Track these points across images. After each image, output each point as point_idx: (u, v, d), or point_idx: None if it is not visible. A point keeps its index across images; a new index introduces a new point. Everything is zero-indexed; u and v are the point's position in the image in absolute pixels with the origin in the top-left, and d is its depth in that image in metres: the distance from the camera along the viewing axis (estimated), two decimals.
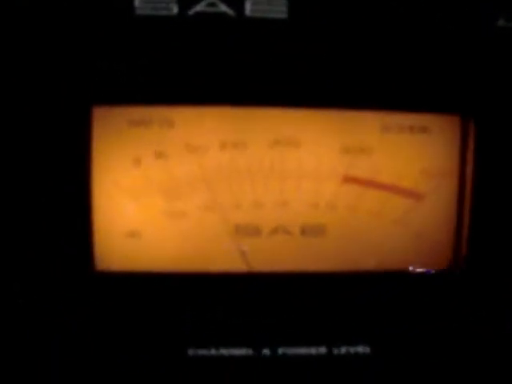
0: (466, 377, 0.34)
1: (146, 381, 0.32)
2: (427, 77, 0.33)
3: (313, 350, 0.33)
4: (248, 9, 0.31)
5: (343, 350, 0.34)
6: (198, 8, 0.31)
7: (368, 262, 0.34)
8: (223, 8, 0.31)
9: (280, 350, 0.33)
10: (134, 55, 0.31)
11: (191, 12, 0.31)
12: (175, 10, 0.31)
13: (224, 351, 0.33)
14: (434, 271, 0.34)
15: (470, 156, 0.33)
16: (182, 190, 0.33)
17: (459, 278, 0.34)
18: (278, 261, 0.34)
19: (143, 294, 0.33)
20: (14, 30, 0.31)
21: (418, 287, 0.34)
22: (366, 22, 0.32)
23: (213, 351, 0.33)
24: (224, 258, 0.34)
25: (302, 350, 0.33)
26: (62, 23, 0.31)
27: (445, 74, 0.32)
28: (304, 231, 0.34)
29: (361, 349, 0.34)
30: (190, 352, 0.33)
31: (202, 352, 0.33)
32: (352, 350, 0.34)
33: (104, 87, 0.31)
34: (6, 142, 0.31)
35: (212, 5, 0.31)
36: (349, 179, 0.34)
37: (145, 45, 0.31)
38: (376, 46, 0.32)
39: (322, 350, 0.33)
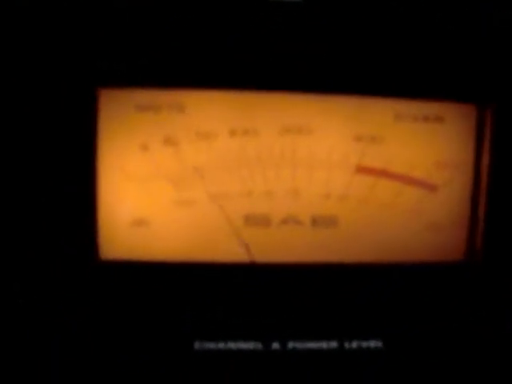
0: (476, 369, 0.33)
1: (150, 374, 0.31)
2: (442, 64, 0.32)
3: (323, 345, 0.32)
4: None
5: (355, 344, 0.33)
6: None
7: (380, 253, 0.33)
8: None
9: (290, 344, 0.32)
10: (142, 36, 0.30)
11: None
12: None
13: (232, 345, 0.32)
14: (448, 263, 0.33)
15: (486, 147, 0.33)
16: (190, 178, 0.32)
17: (474, 271, 0.33)
18: (288, 252, 0.33)
19: (148, 284, 0.32)
20: (20, 13, 0.30)
21: (431, 279, 0.33)
22: (381, 9, 0.31)
23: (220, 345, 0.32)
24: (233, 248, 0.33)
25: (313, 345, 0.32)
26: (70, 7, 0.30)
27: (461, 61, 0.32)
28: (315, 222, 0.33)
29: (373, 343, 0.33)
30: (196, 345, 0.32)
31: (209, 345, 0.32)
32: (364, 344, 0.33)
33: (111, 69, 0.31)
34: (10, 125, 0.30)
35: None
36: (361, 169, 0.33)
37: (155, 25, 0.30)
38: (390, 32, 0.32)
39: (333, 344, 0.32)
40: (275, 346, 0.32)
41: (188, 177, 0.32)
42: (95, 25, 0.30)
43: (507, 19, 0.32)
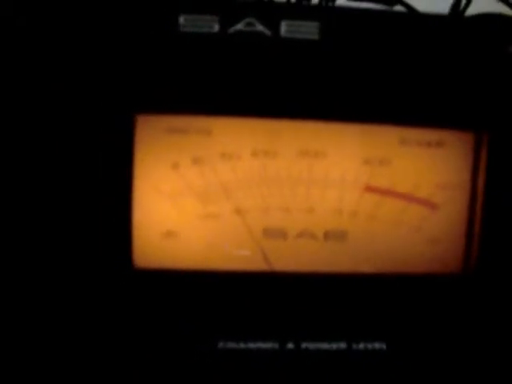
0: (474, 375, 0.37)
1: (180, 370, 0.35)
2: (443, 96, 0.35)
3: (333, 345, 0.36)
4: (283, 30, 0.34)
5: (361, 345, 0.36)
6: (238, 27, 0.34)
7: (385, 265, 0.37)
8: (260, 28, 0.34)
9: (303, 345, 0.36)
10: (176, 69, 0.34)
11: (231, 30, 0.34)
12: (216, 28, 0.34)
13: (251, 344, 0.36)
14: (446, 275, 0.37)
15: (481, 169, 0.36)
16: (215, 195, 0.36)
17: (470, 281, 0.37)
18: (302, 262, 0.36)
19: (177, 290, 0.35)
20: (59, 39, 0.33)
21: (431, 289, 0.36)
22: (390, 45, 0.35)
23: (241, 344, 0.36)
24: (253, 258, 0.36)
25: (324, 345, 0.36)
26: (110, 36, 0.33)
27: (460, 92, 0.35)
28: (327, 236, 0.37)
29: (377, 345, 0.36)
30: (220, 345, 0.35)
31: (231, 345, 0.35)
32: (369, 346, 0.36)
33: (147, 97, 0.34)
34: (55, 147, 0.34)
35: (250, 24, 0.34)
36: (369, 188, 0.36)
37: (186, 59, 0.34)
38: (398, 67, 0.35)
39: (342, 345, 0.36)
40: (290, 346, 0.36)
41: (213, 193, 0.36)
42: (136, 58, 0.33)
43: (503, 52, 0.36)
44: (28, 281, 0.34)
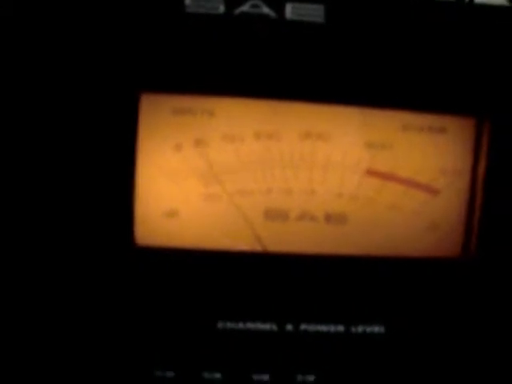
0: (473, 360, 0.37)
1: (179, 349, 0.35)
2: (446, 81, 0.36)
3: (332, 328, 0.36)
4: (288, 12, 0.34)
5: (360, 328, 0.36)
6: (243, 8, 0.34)
7: (385, 248, 0.37)
8: (266, 10, 0.34)
9: (302, 327, 0.36)
10: (181, 49, 0.34)
11: (236, 12, 0.34)
12: (222, 9, 0.34)
13: (251, 325, 0.36)
14: (446, 259, 0.37)
15: (483, 155, 0.37)
16: (218, 175, 0.36)
17: (469, 265, 0.37)
18: (303, 244, 0.37)
19: (178, 269, 0.35)
20: (65, 19, 0.33)
21: (430, 273, 0.37)
22: (394, 29, 0.35)
23: (240, 325, 0.36)
24: (253, 239, 0.36)
25: (322, 327, 0.36)
26: (115, 16, 0.33)
27: (462, 78, 0.36)
28: (328, 218, 0.37)
29: (376, 328, 0.37)
30: (220, 325, 0.36)
31: (231, 325, 0.36)
32: (368, 329, 0.36)
33: (152, 76, 0.34)
34: (58, 125, 0.34)
35: (255, 6, 0.34)
36: (371, 172, 0.37)
37: (192, 40, 0.34)
38: (402, 52, 0.35)
39: (340, 327, 0.36)
40: (289, 327, 0.36)
41: (215, 174, 0.36)
42: (141, 37, 0.34)
43: (503, 35, 0.36)
44: (28, 259, 0.34)
